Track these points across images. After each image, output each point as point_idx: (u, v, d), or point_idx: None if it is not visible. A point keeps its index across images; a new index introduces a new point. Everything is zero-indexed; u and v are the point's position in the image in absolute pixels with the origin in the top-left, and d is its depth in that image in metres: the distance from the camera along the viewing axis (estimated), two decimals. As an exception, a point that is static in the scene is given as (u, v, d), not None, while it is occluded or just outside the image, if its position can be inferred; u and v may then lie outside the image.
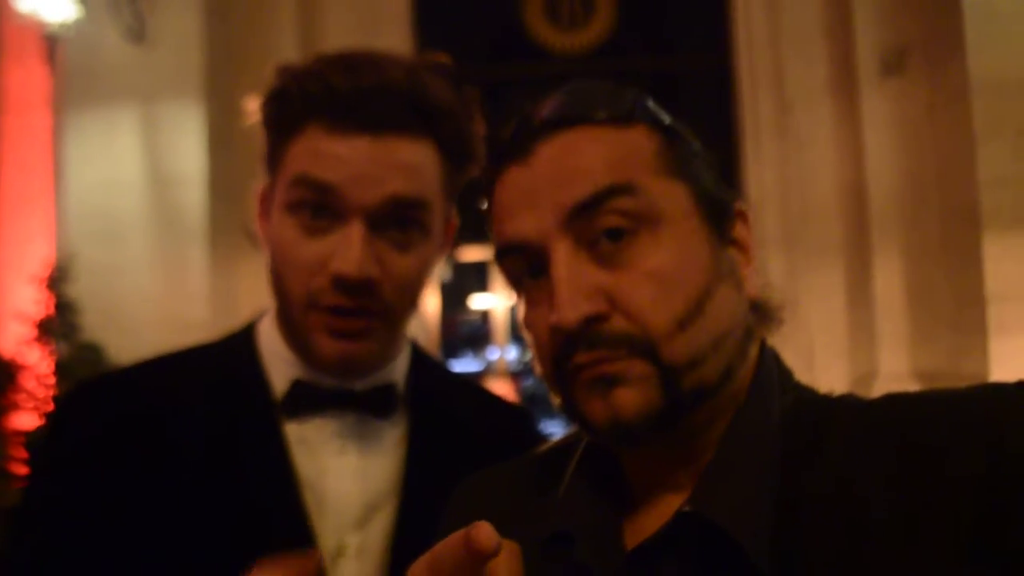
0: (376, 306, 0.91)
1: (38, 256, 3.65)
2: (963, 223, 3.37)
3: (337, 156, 0.88)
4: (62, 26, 3.57)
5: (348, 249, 0.87)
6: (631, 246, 0.63)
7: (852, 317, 3.87)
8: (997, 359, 3.15)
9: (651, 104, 0.69)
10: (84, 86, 3.77)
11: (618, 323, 0.62)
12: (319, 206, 0.89)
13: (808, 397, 0.69)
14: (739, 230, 0.69)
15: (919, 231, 3.70)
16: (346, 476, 0.95)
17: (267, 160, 0.96)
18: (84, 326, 3.43)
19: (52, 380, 3.33)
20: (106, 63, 3.76)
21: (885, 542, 0.57)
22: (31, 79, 3.92)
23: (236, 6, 4.09)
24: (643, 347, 0.61)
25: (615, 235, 0.63)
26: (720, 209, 0.67)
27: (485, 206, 0.71)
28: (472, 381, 1.24)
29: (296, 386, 0.96)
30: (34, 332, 3.39)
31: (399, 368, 1.02)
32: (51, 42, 3.70)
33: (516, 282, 0.69)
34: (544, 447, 0.82)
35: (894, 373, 3.65)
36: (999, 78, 3.28)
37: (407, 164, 0.90)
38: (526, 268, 0.67)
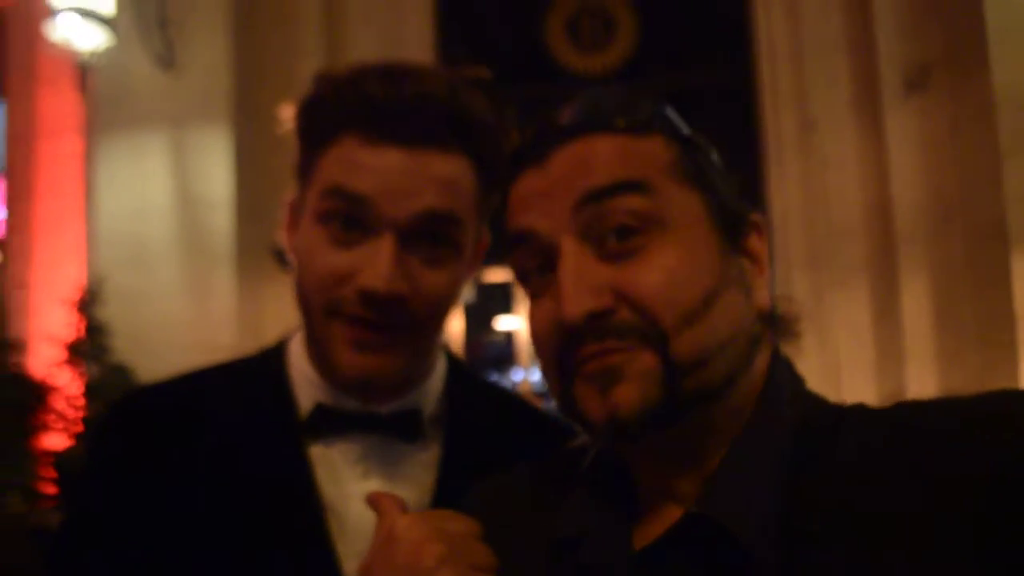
0: (402, 321, 0.88)
1: (69, 279, 3.70)
2: (990, 240, 3.33)
3: (371, 167, 0.86)
4: (93, 54, 3.65)
5: (378, 263, 0.85)
6: (639, 245, 0.63)
7: (879, 335, 3.84)
8: (1027, 378, 3.11)
9: (670, 113, 0.70)
10: (114, 112, 3.83)
11: (625, 315, 0.62)
12: (351, 218, 0.87)
13: (820, 405, 0.69)
14: (753, 241, 0.70)
15: (945, 248, 3.66)
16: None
17: (299, 169, 0.95)
18: (114, 348, 3.47)
19: (82, 402, 3.37)
20: (136, 89, 3.83)
21: (894, 550, 0.57)
22: (63, 106, 4.01)
23: (262, 31, 4.15)
24: (653, 338, 0.62)
25: (623, 234, 0.63)
26: (733, 220, 0.68)
27: (502, 209, 0.72)
28: (512, 394, 1.20)
29: (319, 409, 0.95)
30: (65, 354, 3.43)
31: (430, 391, 1.00)
32: (82, 69, 3.77)
33: (524, 276, 0.70)
34: (555, 453, 0.83)
35: (922, 391, 3.61)
36: (1023, 93, 3.25)
37: (442, 179, 0.88)
38: (535, 263, 0.68)
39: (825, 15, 4.13)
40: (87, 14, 3.51)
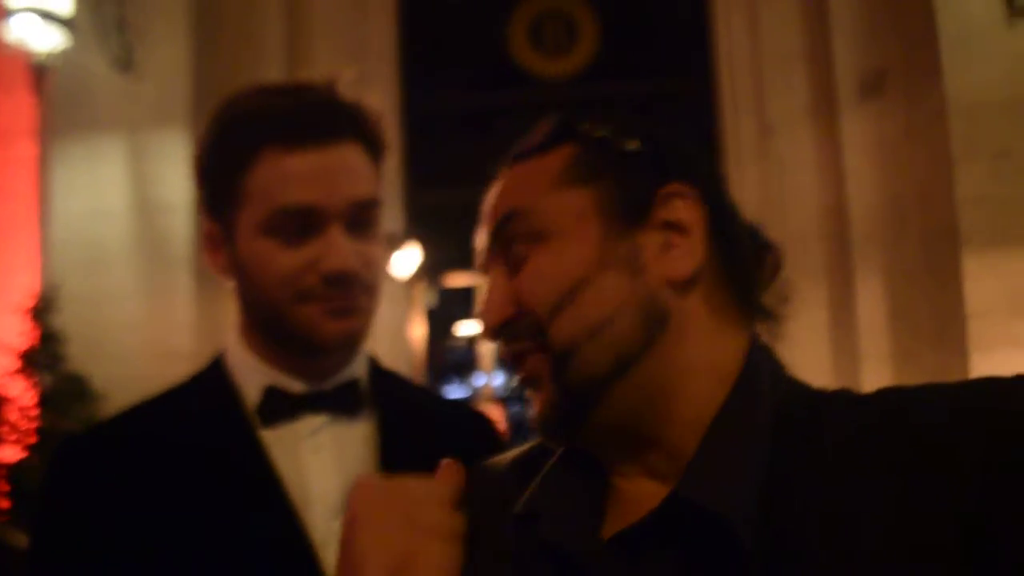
0: (361, 288, 1.02)
1: (22, 286, 3.63)
2: (943, 242, 3.41)
3: (301, 175, 0.98)
4: (49, 55, 3.58)
5: (336, 250, 0.98)
6: (524, 257, 0.71)
7: (835, 336, 3.90)
8: (978, 374, 3.18)
9: (585, 120, 0.76)
10: (71, 115, 3.78)
11: (523, 318, 0.71)
12: (300, 225, 0.99)
13: (801, 390, 0.70)
14: (670, 211, 0.71)
15: (900, 251, 3.74)
16: (325, 470, 1.03)
17: (213, 200, 1.05)
18: (69, 357, 3.41)
19: (36, 412, 3.30)
20: (93, 92, 3.77)
21: (877, 533, 0.58)
22: (18, 108, 3.93)
23: (223, 37, 4.12)
24: (535, 336, 0.70)
25: (517, 250, 0.72)
26: (632, 202, 0.71)
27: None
28: (422, 386, 1.38)
29: (268, 392, 1.04)
30: (18, 363, 3.36)
31: (360, 366, 1.11)
32: (38, 71, 3.71)
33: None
34: (532, 445, 0.85)
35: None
36: (975, 100, 3.33)
37: (356, 169, 1.02)
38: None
39: (784, 23, 4.20)
40: (44, 15, 3.45)
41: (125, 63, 3.75)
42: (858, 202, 3.86)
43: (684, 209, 0.71)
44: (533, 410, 0.72)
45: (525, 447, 0.84)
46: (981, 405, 0.60)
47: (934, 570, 0.56)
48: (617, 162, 0.72)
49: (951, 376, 3.44)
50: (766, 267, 0.79)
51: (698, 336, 0.70)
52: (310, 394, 1.05)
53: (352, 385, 1.08)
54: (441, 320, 5.33)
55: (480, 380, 5.58)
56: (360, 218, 1.01)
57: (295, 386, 1.05)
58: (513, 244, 0.72)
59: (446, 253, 5.15)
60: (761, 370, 0.70)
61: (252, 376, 1.05)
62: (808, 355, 3.77)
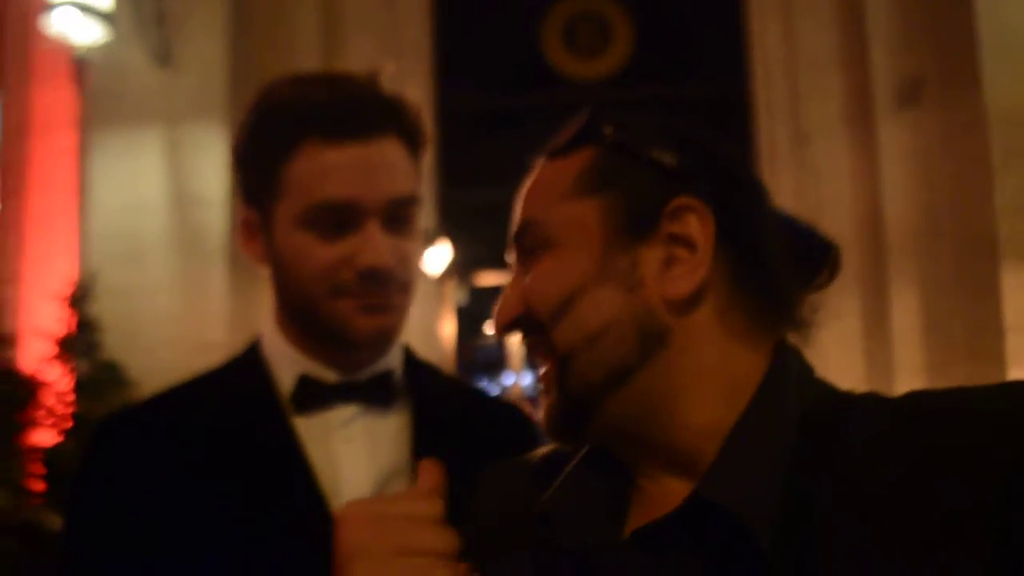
0: (396, 284, 1.02)
1: (61, 275, 3.69)
2: (979, 253, 3.36)
3: (341, 169, 0.98)
4: (90, 49, 3.64)
5: (373, 246, 0.98)
6: (537, 260, 0.73)
7: (869, 346, 3.86)
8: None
9: (608, 122, 0.75)
10: (110, 108, 3.83)
11: (529, 318, 0.73)
12: (338, 219, 0.99)
13: (829, 393, 0.70)
14: (679, 226, 0.69)
15: (935, 261, 3.69)
16: (356, 461, 1.03)
17: (253, 189, 1.05)
18: (104, 345, 3.47)
19: (72, 398, 3.36)
20: (132, 86, 3.83)
21: (899, 539, 0.57)
22: (58, 101, 4.00)
23: (259, 31, 4.16)
24: (540, 334, 0.72)
25: (530, 255, 0.74)
26: (640, 214, 0.70)
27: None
28: (459, 378, 1.37)
29: (302, 381, 1.04)
30: (55, 350, 3.42)
31: (395, 358, 1.11)
32: (79, 64, 3.77)
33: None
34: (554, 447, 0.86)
35: (910, 403, 3.63)
36: (1015, 108, 3.28)
37: (396, 165, 1.01)
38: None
39: (820, 28, 4.16)
40: (85, 8, 3.51)
41: (163, 57, 3.80)
42: (893, 211, 3.82)
43: (694, 224, 0.69)
44: (541, 411, 0.74)
45: (553, 446, 0.85)
46: (1006, 407, 0.60)
47: (957, 571, 0.55)
48: (631, 170, 0.72)
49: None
50: (823, 271, 0.79)
51: (707, 348, 0.69)
52: (343, 384, 1.05)
53: (386, 377, 1.08)
54: (471, 318, 5.34)
55: (509, 379, 5.58)
56: (398, 214, 1.01)
57: (329, 376, 1.05)
58: (529, 250, 0.74)
59: (477, 252, 5.15)
60: (786, 375, 0.69)
61: (287, 364, 1.06)
62: (840, 366, 3.72)
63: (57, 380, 3.39)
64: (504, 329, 0.75)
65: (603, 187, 0.72)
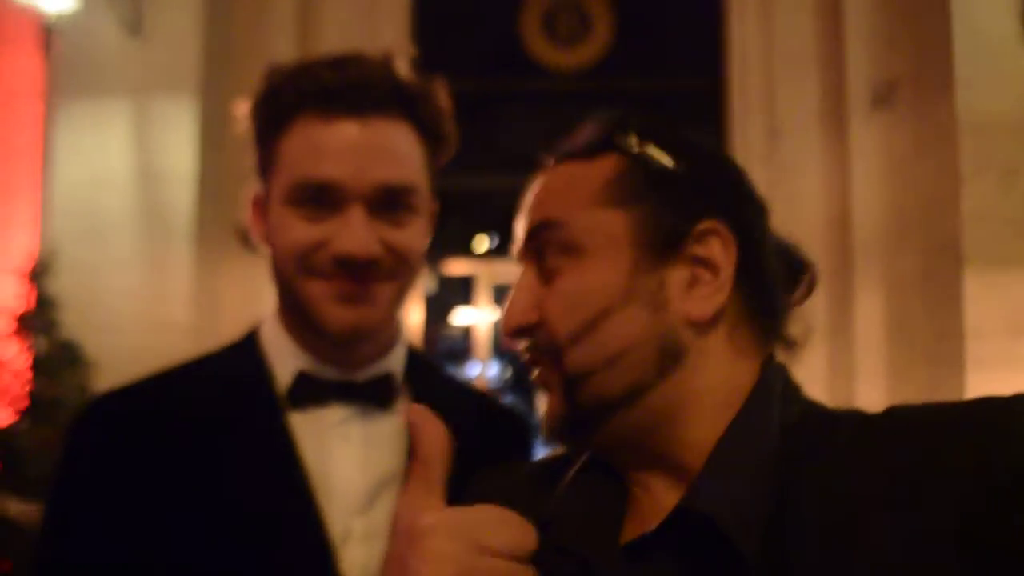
0: (379, 275, 0.97)
1: (20, 248, 3.62)
2: (945, 258, 3.40)
3: (332, 148, 0.94)
4: (59, 16, 3.56)
5: (351, 231, 0.94)
6: (557, 267, 0.72)
7: (831, 345, 3.90)
8: (973, 393, 3.15)
9: (633, 131, 0.74)
10: (77, 78, 3.75)
11: (539, 331, 0.72)
12: (320, 199, 0.95)
13: (813, 410, 0.72)
14: (706, 249, 0.71)
15: (901, 264, 3.73)
16: (350, 463, 1.00)
17: (259, 164, 1.01)
18: (64, 323, 3.40)
19: (29, 376, 3.30)
20: (101, 56, 3.75)
21: (877, 549, 0.59)
22: (25, 68, 3.90)
23: (234, 5, 4.08)
24: (550, 354, 0.71)
25: (550, 259, 0.73)
26: (667, 232, 0.71)
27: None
28: (463, 380, 1.33)
29: (300, 377, 1.01)
30: (13, 326, 3.35)
31: (396, 359, 1.07)
32: (47, 32, 3.68)
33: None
34: (557, 452, 0.86)
35: (871, 404, 3.66)
36: (987, 117, 3.32)
37: (394, 150, 0.97)
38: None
39: (798, 25, 4.18)
40: (54, -25, 3.43)
41: (134, 27, 3.72)
42: (862, 213, 3.85)
43: (717, 247, 0.71)
44: (541, 410, 0.73)
45: (550, 455, 0.86)
46: (977, 422, 0.62)
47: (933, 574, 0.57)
48: (657, 187, 0.72)
49: (946, 393, 3.45)
50: (800, 288, 0.81)
51: (715, 367, 0.71)
52: (341, 383, 1.02)
53: (386, 379, 1.05)
54: (439, 307, 5.33)
55: (475, 369, 5.57)
56: (389, 202, 0.97)
57: (327, 373, 1.02)
58: (546, 251, 0.72)
59: (445, 239, 5.13)
60: (772, 390, 0.71)
61: (285, 358, 1.03)
62: (802, 365, 3.74)
63: (14, 358, 3.32)
64: (514, 335, 0.73)
65: (631, 200, 0.71)
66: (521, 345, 0.74)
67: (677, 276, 0.71)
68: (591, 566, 0.68)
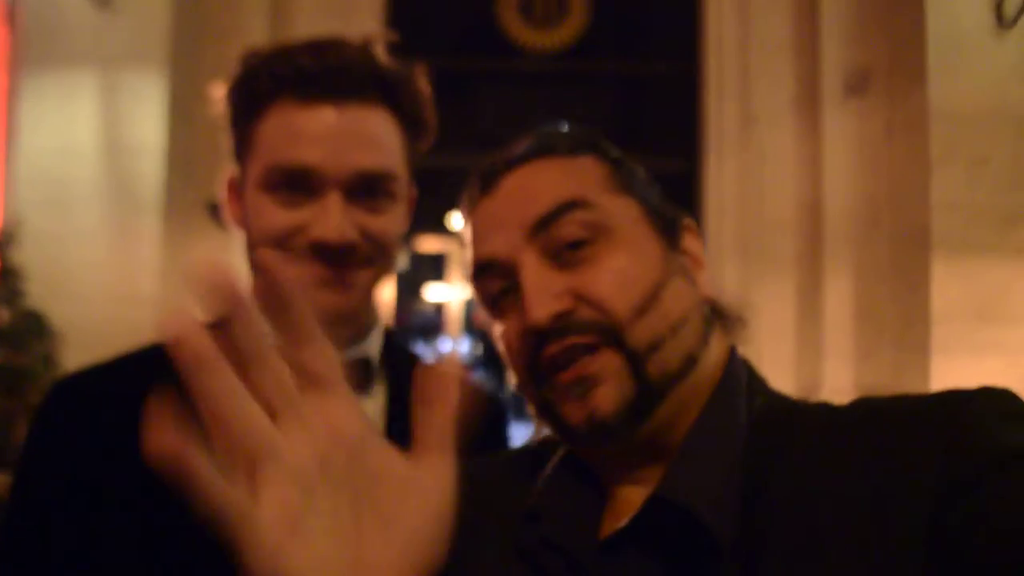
0: (356, 262, 0.97)
1: (-16, 218, 3.55)
2: (913, 245, 3.44)
3: (308, 133, 0.93)
4: (24, -15, 3.48)
5: (327, 217, 0.93)
6: (590, 253, 0.70)
7: (801, 329, 3.94)
8: (937, 377, 3.23)
9: (600, 139, 0.79)
10: (43, 48, 3.67)
11: (584, 312, 0.69)
12: (295, 185, 0.94)
13: (779, 400, 0.74)
14: (688, 242, 0.77)
15: (870, 250, 3.77)
16: None
17: (235, 147, 1.00)
18: (29, 293, 3.35)
19: (-8, 346, 3.25)
20: (68, 25, 3.67)
21: (843, 535, 0.60)
22: (-12, 37, 3.82)
23: (206, -22, 4.02)
24: (609, 332, 0.68)
25: (575, 245, 0.70)
26: (667, 222, 0.75)
27: (464, 239, 0.79)
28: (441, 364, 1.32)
29: None
30: (-24, 296, 3.30)
31: (373, 343, 1.07)
32: (11, 1, 3.60)
33: (492, 302, 0.75)
34: (531, 442, 0.86)
35: (838, 386, 3.72)
36: (957, 107, 3.35)
37: (372, 136, 0.96)
38: (499, 287, 0.73)
39: (774, 12, 4.19)
40: (19, -59, 3.35)
41: (103, -1, 3.65)
42: (834, 199, 3.88)
43: (693, 241, 0.77)
44: (583, 410, 0.68)
45: (520, 447, 0.86)
46: (939, 413, 0.63)
47: (899, 560, 0.58)
48: (639, 185, 0.76)
49: (911, 377, 3.49)
50: None
51: (714, 347, 0.75)
52: None
53: (363, 363, 1.04)
54: (410, 283, 5.31)
55: (445, 345, 5.57)
56: (367, 188, 0.96)
57: None
58: (564, 235, 0.70)
59: (420, 216, 5.07)
60: (739, 380, 0.74)
61: None
62: (772, 348, 3.80)
63: (-24, 328, 3.27)
64: (550, 323, 0.68)
65: (630, 193, 0.74)
66: (569, 337, 0.68)
67: (686, 262, 0.76)
68: (577, 560, 0.69)
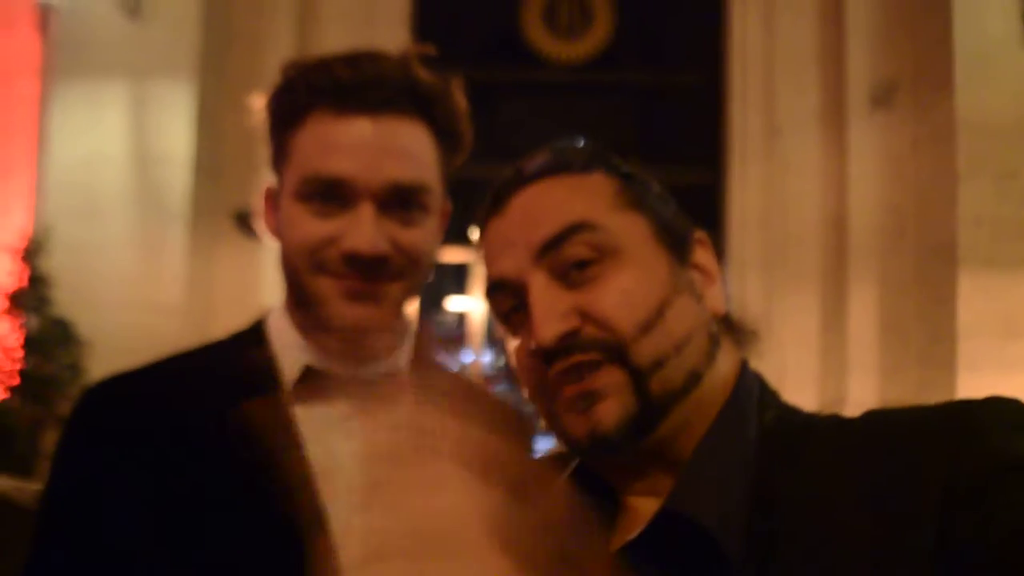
0: (386, 273, 0.97)
1: (14, 226, 3.60)
2: (939, 259, 3.41)
3: (343, 144, 0.94)
4: (57, -3, 3.54)
5: (360, 228, 0.93)
6: (596, 273, 0.71)
7: (825, 343, 3.91)
8: (964, 394, 3.17)
9: (610, 156, 0.79)
10: (75, 58, 3.74)
11: (589, 331, 0.70)
12: (329, 195, 0.95)
13: (790, 413, 0.74)
14: (699, 255, 0.77)
15: (896, 263, 3.74)
16: (356, 459, 0.99)
17: (273, 158, 1.01)
18: (56, 301, 3.40)
19: (20, 354, 3.29)
20: (99, 36, 3.73)
21: (853, 547, 0.60)
22: (22, 47, 3.89)
23: (235, -11, 4.07)
24: (613, 350, 0.69)
25: (582, 264, 0.71)
26: (678, 237, 0.76)
27: (479, 256, 0.81)
28: (470, 378, 1.32)
29: (306, 372, 1.01)
30: (5, 304, 3.34)
31: (403, 358, 1.07)
32: (44, 11, 3.66)
33: (504, 318, 0.77)
34: (548, 454, 0.87)
35: (862, 401, 3.69)
36: (984, 119, 3.32)
37: (407, 149, 0.97)
38: (511, 305, 0.75)
39: (800, 24, 4.18)
40: (52, -46, 3.41)
41: (133, 8, 3.70)
42: (859, 212, 3.86)
43: (707, 255, 0.77)
44: (586, 424, 0.70)
45: (538, 458, 0.87)
46: (948, 425, 0.63)
47: (910, 572, 0.58)
48: (651, 201, 0.76)
49: (937, 394, 3.46)
50: None
51: (722, 362, 0.74)
52: (347, 379, 1.01)
53: (391, 378, 1.03)
54: (433, 294, 5.33)
55: (468, 357, 5.58)
56: (400, 200, 0.96)
57: (334, 368, 1.01)
58: (570, 257, 0.71)
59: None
60: (750, 393, 0.74)
61: (292, 351, 1.02)
62: (796, 361, 3.77)
63: (6, 335, 3.31)
64: (557, 342, 0.70)
65: (640, 209, 0.75)
66: (574, 355, 0.70)
67: (694, 276, 0.76)
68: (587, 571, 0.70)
